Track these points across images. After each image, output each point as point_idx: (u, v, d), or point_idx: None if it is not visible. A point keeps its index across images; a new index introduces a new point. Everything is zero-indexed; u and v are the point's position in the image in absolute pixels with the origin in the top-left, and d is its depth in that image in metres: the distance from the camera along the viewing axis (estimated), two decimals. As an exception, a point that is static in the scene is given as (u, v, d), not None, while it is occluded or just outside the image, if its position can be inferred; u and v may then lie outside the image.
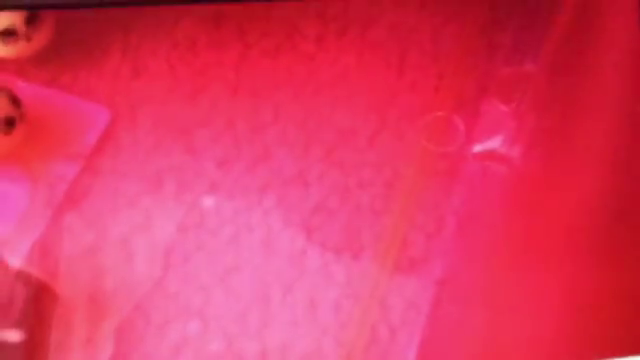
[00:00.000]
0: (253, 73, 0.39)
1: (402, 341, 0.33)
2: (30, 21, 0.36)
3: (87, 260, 0.34)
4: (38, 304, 0.33)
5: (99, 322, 0.33)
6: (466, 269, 0.34)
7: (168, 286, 0.33)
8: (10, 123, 0.34)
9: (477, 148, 0.36)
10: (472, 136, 0.36)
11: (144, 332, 0.32)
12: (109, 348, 0.32)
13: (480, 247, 0.34)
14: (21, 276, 0.33)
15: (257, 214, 0.35)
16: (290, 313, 0.33)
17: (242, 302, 0.33)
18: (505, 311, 0.33)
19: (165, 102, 0.38)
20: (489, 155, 0.35)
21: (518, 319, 0.33)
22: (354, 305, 0.33)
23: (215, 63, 0.39)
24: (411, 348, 0.33)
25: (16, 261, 0.33)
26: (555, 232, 0.32)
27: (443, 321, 0.33)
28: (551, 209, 0.33)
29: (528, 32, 0.37)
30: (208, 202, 0.35)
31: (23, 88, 0.36)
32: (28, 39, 0.36)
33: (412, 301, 0.34)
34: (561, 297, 0.32)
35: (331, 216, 0.36)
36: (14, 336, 0.30)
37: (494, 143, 0.35)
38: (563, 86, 0.34)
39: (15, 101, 0.35)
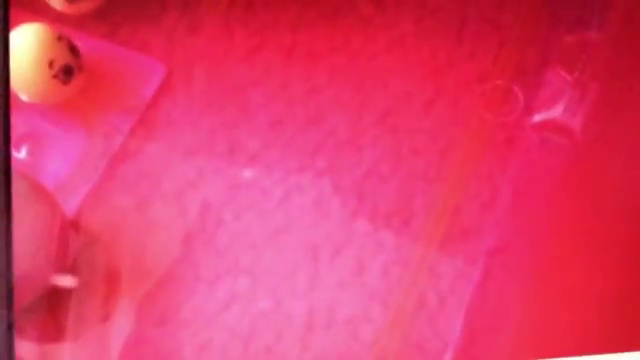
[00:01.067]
0: (309, 34, 0.38)
1: (450, 309, 0.32)
2: None
3: (139, 212, 0.34)
4: (90, 253, 0.33)
5: (149, 273, 0.33)
6: (519, 242, 0.34)
7: (218, 242, 0.34)
8: (69, 72, 0.34)
9: (537, 118, 0.35)
10: (532, 106, 0.35)
11: (194, 286, 0.33)
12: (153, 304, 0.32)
13: (535, 220, 0.34)
14: (75, 224, 0.33)
15: (308, 176, 0.35)
16: (338, 275, 0.33)
17: (291, 262, 0.33)
18: (555, 288, 0.33)
19: (220, 60, 0.38)
20: (549, 125, 0.35)
21: (568, 297, 0.32)
22: (403, 271, 0.33)
23: (272, 23, 0.38)
24: (459, 316, 0.32)
25: (71, 209, 0.33)
26: (615, 209, 0.31)
27: (492, 292, 0.33)
28: (611, 184, 0.32)
29: (592, 1, 0.36)
30: (260, 161, 0.35)
31: (82, 40, 0.36)
32: None
33: (462, 270, 0.33)
34: (617, 281, 0.31)
35: (383, 181, 0.35)
36: (68, 281, 0.30)
37: (555, 112, 0.34)
38: (627, 56, 0.33)
39: (74, 50, 0.35)
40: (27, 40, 0.34)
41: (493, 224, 0.34)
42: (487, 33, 0.38)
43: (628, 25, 0.33)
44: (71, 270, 0.32)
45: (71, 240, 0.32)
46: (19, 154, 0.35)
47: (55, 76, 0.34)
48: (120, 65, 0.37)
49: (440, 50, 0.38)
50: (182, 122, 0.36)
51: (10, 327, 0.29)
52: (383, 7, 0.39)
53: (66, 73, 0.34)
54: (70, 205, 0.34)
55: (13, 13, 0.35)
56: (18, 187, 0.30)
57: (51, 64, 0.34)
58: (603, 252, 0.32)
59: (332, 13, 0.39)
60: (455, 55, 0.38)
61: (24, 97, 0.35)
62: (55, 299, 0.32)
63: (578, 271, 0.33)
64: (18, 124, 0.35)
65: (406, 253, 0.34)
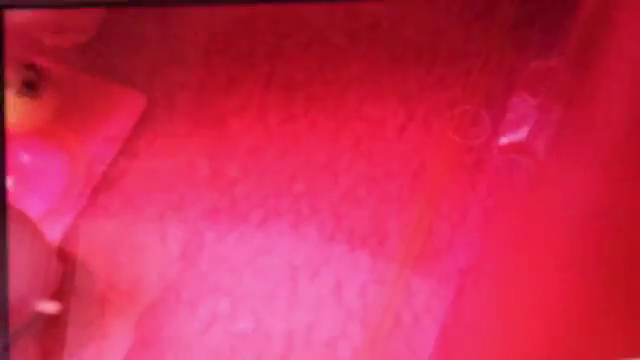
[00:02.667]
0: (286, 64, 0.40)
1: (425, 326, 0.34)
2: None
3: (122, 239, 0.35)
4: (74, 281, 0.34)
5: (133, 298, 0.34)
6: (490, 260, 0.35)
7: (199, 266, 0.35)
8: (31, 85, 0.34)
9: (504, 140, 0.36)
10: (499, 129, 0.37)
11: (175, 309, 0.33)
12: (131, 331, 0.33)
13: (505, 238, 0.35)
14: (59, 252, 0.34)
15: (286, 200, 0.36)
16: (316, 296, 0.34)
17: (270, 284, 0.34)
18: (527, 304, 0.34)
19: (200, 90, 0.39)
20: (515, 147, 0.36)
21: (540, 313, 0.33)
22: (379, 290, 0.34)
23: (249, 54, 0.40)
24: (434, 333, 0.33)
25: (54, 237, 0.34)
26: (581, 226, 0.33)
27: (466, 309, 0.34)
28: (575, 202, 0.33)
29: (555, 27, 0.38)
30: (239, 187, 0.37)
31: (63, 73, 0.38)
32: (81, 31, 0.37)
33: (436, 288, 0.34)
34: (588, 296, 0.32)
35: (359, 204, 0.36)
36: (51, 307, 0.31)
37: (520, 135, 0.36)
38: (584, 79, 0.34)
39: (30, 66, 0.34)
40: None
41: (464, 243, 0.35)
42: (456, 61, 0.39)
43: (584, 51, 0.35)
44: (55, 297, 0.33)
45: (55, 268, 0.33)
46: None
47: (18, 93, 0.34)
48: (102, 96, 0.38)
49: (411, 78, 0.39)
50: (163, 150, 0.37)
51: (6, 349, 0.29)
52: (356, 37, 0.40)
53: (29, 87, 0.34)
54: (54, 233, 0.35)
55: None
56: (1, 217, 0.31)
57: (8, 85, 0.33)
58: (573, 268, 0.34)
59: (307, 43, 0.40)
60: (426, 82, 0.39)
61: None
62: (40, 326, 0.33)
63: (549, 288, 0.34)
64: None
65: (382, 272, 0.35)
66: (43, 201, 0.36)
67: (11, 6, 0.34)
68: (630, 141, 0.30)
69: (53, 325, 0.33)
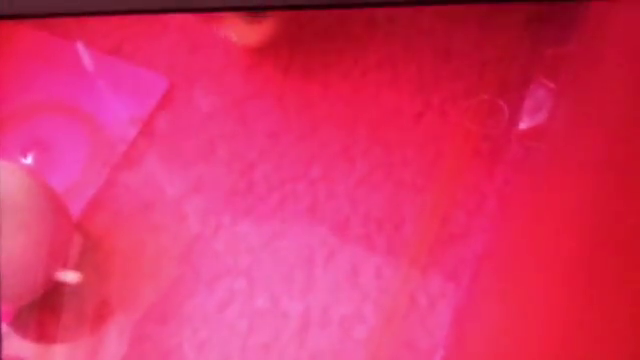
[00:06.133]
0: (304, 52, 0.40)
1: (440, 310, 0.34)
2: None
3: (141, 217, 0.35)
4: (93, 256, 0.34)
5: (150, 275, 0.34)
6: (505, 246, 0.35)
7: (217, 246, 0.35)
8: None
9: (522, 126, 0.37)
10: (516, 118, 0.37)
11: (194, 287, 0.34)
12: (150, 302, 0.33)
13: (520, 225, 0.35)
14: (79, 227, 0.34)
15: (303, 184, 0.37)
16: (332, 278, 0.34)
17: (287, 265, 0.35)
18: (541, 290, 0.34)
19: (220, 75, 0.39)
20: (533, 134, 0.36)
21: (552, 298, 0.34)
22: (395, 273, 0.35)
23: (269, 41, 0.40)
24: (449, 317, 0.34)
25: (75, 213, 0.35)
26: (596, 211, 0.33)
27: (481, 294, 0.34)
28: (590, 189, 0.33)
29: (571, 19, 0.38)
30: (257, 169, 0.37)
31: (89, 55, 0.38)
32: None
33: (452, 273, 0.35)
34: (603, 285, 0.32)
35: (374, 190, 0.37)
36: (72, 277, 0.31)
37: (539, 120, 0.36)
38: (597, 66, 0.35)
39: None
40: None
41: (480, 230, 0.36)
42: (471, 52, 0.40)
43: (601, 39, 0.36)
44: (73, 270, 0.33)
45: (75, 242, 0.34)
46: (26, 160, 0.36)
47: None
48: (125, 78, 0.39)
49: (427, 67, 0.40)
50: (183, 132, 0.38)
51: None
52: (374, 27, 0.41)
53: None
54: (74, 209, 0.35)
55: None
56: (30, 187, 0.31)
57: None
58: (588, 255, 0.34)
59: (326, 32, 0.41)
60: (442, 72, 0.40)
61: None
62: (57, 298, 0.33)
63: (563, 274, 0.34)
64: (26, 132, 0.37)
65: (398, 256, 0.35)
66: (65, 177, 0.36)
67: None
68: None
69: (68, 298, 0.34)
